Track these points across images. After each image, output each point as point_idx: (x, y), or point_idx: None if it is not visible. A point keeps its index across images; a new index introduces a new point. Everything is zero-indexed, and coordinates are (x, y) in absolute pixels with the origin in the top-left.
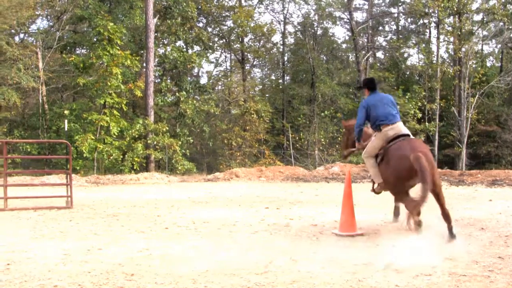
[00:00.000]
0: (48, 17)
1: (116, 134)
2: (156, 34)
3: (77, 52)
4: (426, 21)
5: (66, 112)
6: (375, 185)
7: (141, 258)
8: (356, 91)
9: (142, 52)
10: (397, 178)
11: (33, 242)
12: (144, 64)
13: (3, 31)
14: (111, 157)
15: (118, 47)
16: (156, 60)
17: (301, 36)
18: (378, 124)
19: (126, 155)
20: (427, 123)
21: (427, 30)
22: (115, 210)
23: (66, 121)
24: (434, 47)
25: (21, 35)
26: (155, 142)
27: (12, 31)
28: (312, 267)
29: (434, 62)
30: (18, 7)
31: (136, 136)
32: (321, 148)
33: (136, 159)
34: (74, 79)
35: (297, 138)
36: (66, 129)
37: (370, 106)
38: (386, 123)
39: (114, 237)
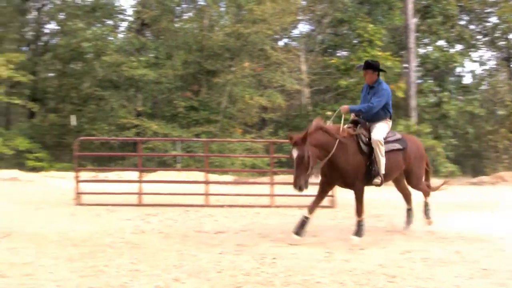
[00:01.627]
0: (310, 21)
1: None
2: (416, 34)
3: (338, 54)
4: None
5: (329, 113)
6: (382, 176)
7: (402, 260)
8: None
9: (402, 52)
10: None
11: (283, 239)
12: (405, 65)
13: (268, 37)
14: None
15: (378, 48)
16: (417, 60)
17: None
18: (390, 113)
19: None
20: None
21: None
22: (377, 211)
23: (328, 122)
24: None
25: (285, 40)
26: None
27: (276, 36)
28: None
29: None
30: (281, 13)
31: None
32: None
33: None
34: (336, 81)
35: None
36: None
37: (390, 95)
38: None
39: (376, 238)
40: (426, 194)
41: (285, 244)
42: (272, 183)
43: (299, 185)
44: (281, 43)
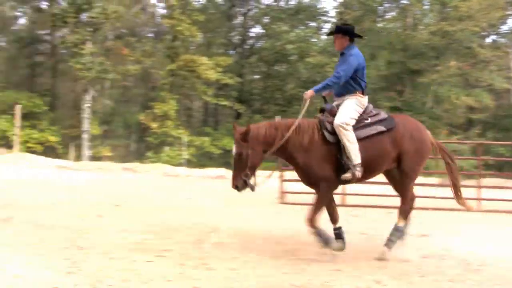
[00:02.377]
0: None
1: None
2: None
3: None
4: None
5: None
6: (356, 168)
7: None
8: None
9: None
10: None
11: (490, 245)
12: None
13: (474, 34)
14: None
15: None
16: None
17: None
18: (365, 86)
19: None
20: None
21: None
22: None
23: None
24: None
25: (493, 37)
26: None
27: (483, 33)
28: None
29: None
30: (488, 9)
31: None
32: None
33: None
34: None
35: None
36: None
37: (361, 62)
38: (366, 89)
39: None
40: (405, 213)
41: (493, 251)
42: (479, 187)
43: (235, 184)
44: (488, 40)
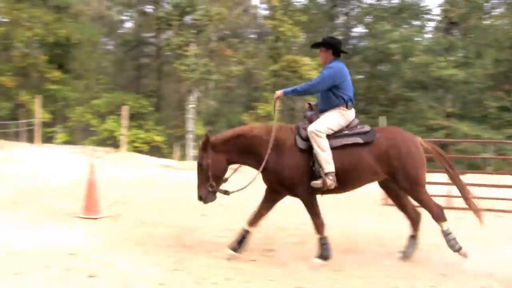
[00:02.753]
0: None
1: None
2: None
3: None
4: None
5: None
6: (329, 177)
7: None
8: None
9: None
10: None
11: None
12: None
13: None
14: None
15: None
16: None
17: None
18: (349, 99)
19: None
20: None
21: None
22: None
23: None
24: None
25: None
26: None
27: None
28: None
29: None
30: None
31: None
32: None
33: None
34: None
35: None
36: None
37: (340, 76)
38: (352, 104)
39: None
40: (439, 217)
41: None
42: None
43: (199, 195)
44: None
